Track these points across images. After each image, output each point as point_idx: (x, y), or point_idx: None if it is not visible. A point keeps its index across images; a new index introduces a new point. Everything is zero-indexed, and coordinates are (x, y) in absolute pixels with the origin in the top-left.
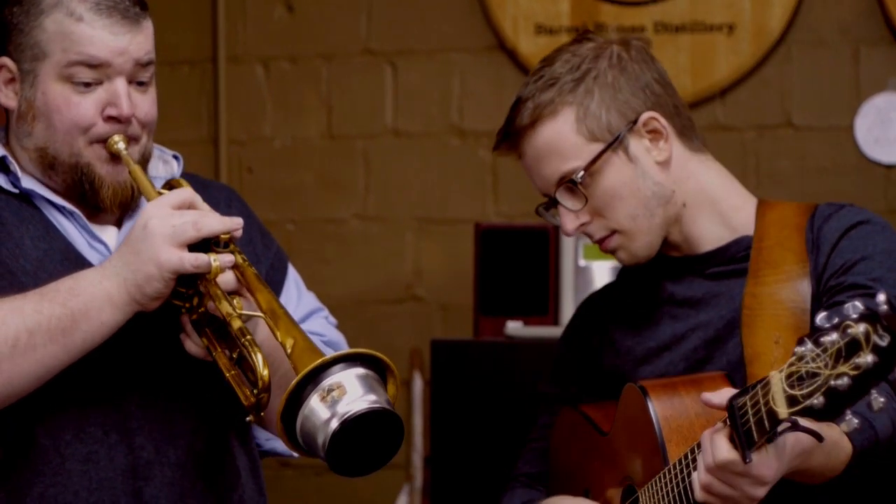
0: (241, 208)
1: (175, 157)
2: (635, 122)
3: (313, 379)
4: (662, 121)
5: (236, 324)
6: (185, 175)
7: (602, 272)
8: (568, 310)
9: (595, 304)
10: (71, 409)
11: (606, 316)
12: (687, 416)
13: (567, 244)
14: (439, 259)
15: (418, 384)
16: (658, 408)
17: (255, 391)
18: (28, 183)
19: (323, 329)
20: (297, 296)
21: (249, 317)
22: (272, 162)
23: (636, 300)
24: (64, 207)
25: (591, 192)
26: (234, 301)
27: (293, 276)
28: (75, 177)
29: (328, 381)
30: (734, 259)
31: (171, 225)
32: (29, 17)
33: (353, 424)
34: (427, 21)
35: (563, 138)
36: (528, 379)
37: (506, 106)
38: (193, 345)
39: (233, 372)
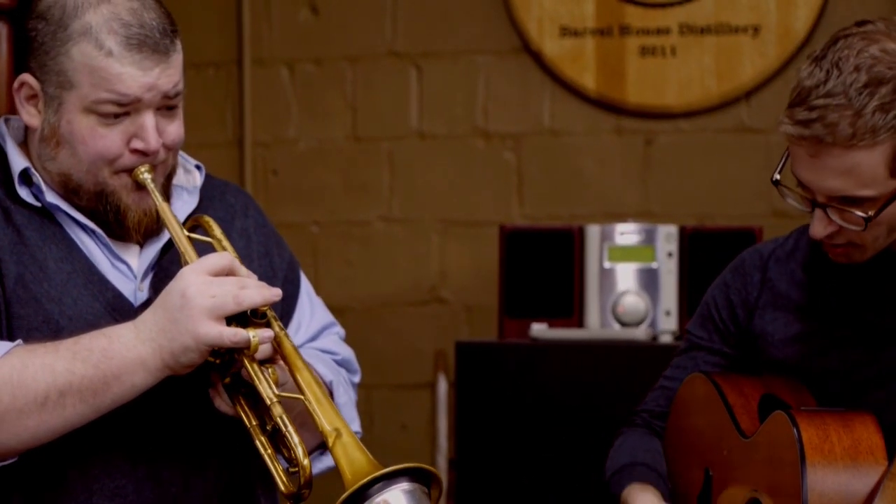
0: (257, 216)
1: (198, 167)
2: None
3: (361, 494)
4: None
5: (277, 410)
6: (204, 179)
7: (626, 274)
8: (593, 311)
9: (763, 259)
10: (100, 443)
11: (774, 276)
12: (833, 456)
13: (592, 246)
14: (464, 261)
15: (443, 386)
16: (807, 448)
17: (290, 469)
18: (51, 197)
19: (336, 347)
20: (310, 309)
21: (289, 399)
22: (297, 164)
23: (812, 273)
24: (87, 225)
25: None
26: (269, 371)
27: (306, 288)
28: (100, 205)
29: (376, 499)
30: None
31: (210, 296)
32: (55, 40)
33: None
34: (452, 23)
35: (870, 168)
36: (553, 381)
37: (531, 108)
38: (223, 403)
39: (269, 451)
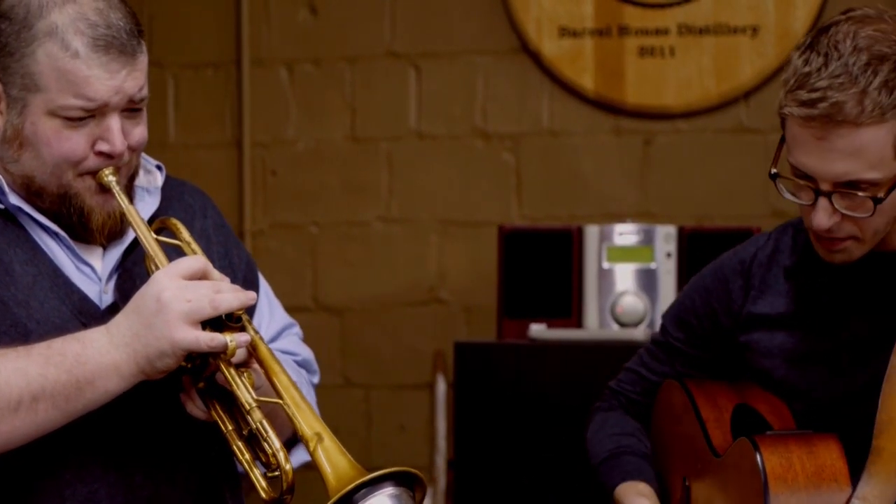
0: (216, 217)
1: (158, 168)
2: None
3: (346, 501)
4: None
5: (257, 415)
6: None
7: (625, 274)
8: (591, 312)
9: (745, 265)
10: (71, 448)
11: (757, 284)
12: (796, 484)
13: (591, 246)
14: (463, 261)
15: (441, 387)
16: (770, 477)
17: (268, 474)
18: (14, 199)
19: (296, 347)
20: (269, 310)
21: (268, 403)
22: (296, 164)
23: (796, 281)
24: (49, 228)
25: (877, 207)
26: (245, 375)
27: (264, 289)
28: (64, 207)
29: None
30: None
31: (186, 300)
32: (19, 40)
33: None
34: (450, 23)
35: (877, 148)
36: (552, 381)
37: (530, 108)
38: (196, 408)
39: (247, 456)
